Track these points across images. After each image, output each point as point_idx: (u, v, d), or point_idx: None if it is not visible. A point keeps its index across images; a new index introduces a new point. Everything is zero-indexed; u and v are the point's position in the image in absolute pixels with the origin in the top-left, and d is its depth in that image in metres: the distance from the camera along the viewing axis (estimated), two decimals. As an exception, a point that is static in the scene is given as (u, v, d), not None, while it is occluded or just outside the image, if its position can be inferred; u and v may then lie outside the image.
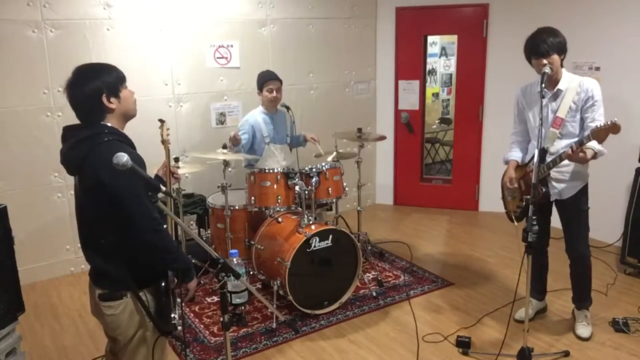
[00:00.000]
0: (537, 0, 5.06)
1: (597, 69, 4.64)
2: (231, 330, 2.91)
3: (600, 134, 2.68)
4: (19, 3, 3.99)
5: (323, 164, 3.89)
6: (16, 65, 4.06)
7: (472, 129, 5.70)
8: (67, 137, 2.08)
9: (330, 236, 3.63)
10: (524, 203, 3.19)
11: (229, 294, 2.42)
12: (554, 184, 3.17)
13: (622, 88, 4.41)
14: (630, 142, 4.37)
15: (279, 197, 3.79)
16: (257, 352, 3.29)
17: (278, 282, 3.59)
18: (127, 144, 2.05)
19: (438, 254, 4.78)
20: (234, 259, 3.30)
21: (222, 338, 3.40)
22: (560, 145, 3.05)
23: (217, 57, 4.87)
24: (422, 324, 3.57)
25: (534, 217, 2.67)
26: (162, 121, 3.10)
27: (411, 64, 5.74)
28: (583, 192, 3.18)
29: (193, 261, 4.14)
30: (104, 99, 2.03)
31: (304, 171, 3.84)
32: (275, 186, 3.79)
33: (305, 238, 3.51)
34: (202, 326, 3.59)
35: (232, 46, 4.92)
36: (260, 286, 4.10)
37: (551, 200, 3.22)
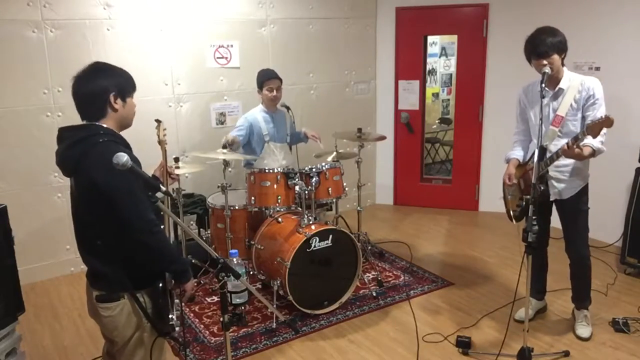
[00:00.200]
0: (537, 0, 5.06)
1: (597, 69, 4.64)
2: (231, 330, 2.91)
3: (594, 129, 2.68)
4: (19, 3, 3.99)
5: (323, 164, 3.89)
6: (16, 65, 4.06)
7: (472, 129, 5.70)
8: (62, 138, 2.07)
9: (330, 236, 3.63)
10: (524, 202, 3.19)
11: (229, 294, 2.42)
12: (554, 183, 3.17)
13: (622, 88, 4.42)
14: (630, 142, 4.37)
15: (279, 197, 3.79)
16: (257, 352, 3.29)
17: (278, 282, 3.59)
18: (123, 145, 2.04)
19: (438, 254, 4.78)
20: (234, 259, 3.30)
21: (222, 338, 3.40)
22: (560, 144, 3.05)
23: (217, 57, 4.87)
24: (422, 324, 3.57)
25: (534, 217, 2.68)
26: (158, 121, 3.10)
27: (411, 64, 5.74)
28: (583, 192, 3.18)
29: (193, 261, 4.15)
30: (112, 98, 2.05)
31: (304, 171, 3.84)
32: (275, 186, 3.79)
33: (305, 238, 3.51)
34: (202, 326, 3.59)
35: (232, 46, 4.92)
36: (260, 286, 4.10)
37: (551, 199, 3.22)
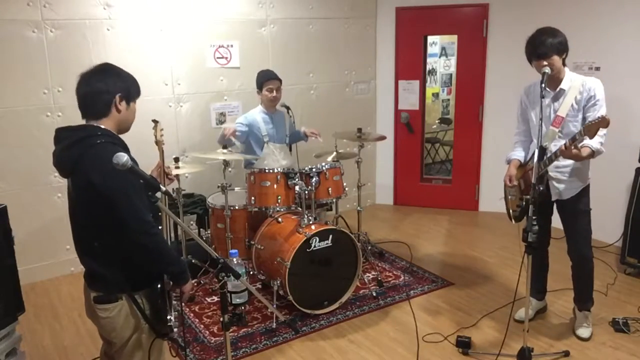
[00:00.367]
0: (537, 0, 5.06)
1: (597, 69, 4.64)
2: (231, 330, 2.91)
3: (590, 129, 2.68)
4: (19, 3, 3.99)
5: (323, 164, 3.89)
6: (16, 65, 4.06)
7: (472, 129, 5.70)
8: (59, 139, 2.06)
9: (330, 236, 3.63)
10: (524, 203, 3.19)
11: (229, 294, 2.42)
12: (555, 184, 3.17)
13: (622, 88, 4.41)
14: (630, 142, 4.37)
15: (279, 197, 3.79)
16: (257, 352, 3.29)
17: (278, 282, 3.59)
18: (121, 146, 2.03)
19: (438, 254, 4.78)
20: (234, 259, 3.30)
21: (222, 338, 3.40)
22: (560, 144, 3.04)
23: (217, 57, 4.87)
24: (422, 324, 3.57)
25: (534, 217, 2.68)
26: (155, 122, 3.09)
27: (411, 64, 5.74)
28: (584, 193, 3.17)
29: (193, 261, 4.15)
30: (118, 99, 2.06)
31: (304, 171, 3.84)
32: (275, 186, 3.79)
33: (305, 238, 3.51)
34: (202, 326, 3.59)
35: (232, 46, 4.92)
36: (260, 286, 4.10)
37: (552, 200, 3.22)
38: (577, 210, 3.19)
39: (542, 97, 2.85)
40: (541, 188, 2.87)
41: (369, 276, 4.24)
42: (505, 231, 5.17)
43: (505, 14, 5.31)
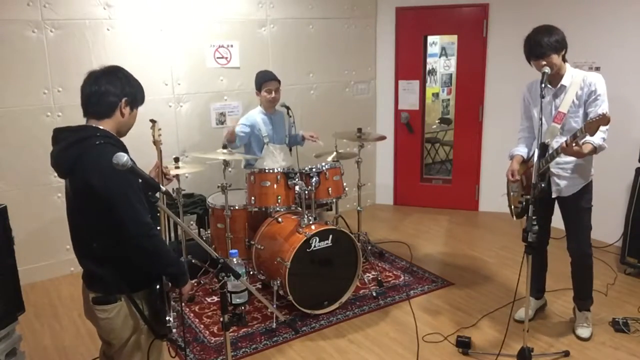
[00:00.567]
0: (537, 0, 5.06)
1: (597, 69, 4.64)
2: (231, 330, 2.91)
3: (591, 127, 2.68)
4: (19, 3, 3.99)
5: (323, 164, 3.89)
6: (16, 65, 4.05)
7: (472, 129, 5.70)
8: (57, 140, 2.06)
9: (330, 236, 3.63)
10: (525, 200, 3.19)
11: (229, 294, 2.42)
12: (556, 180, 3.16)
13: (622, 88, 4.41)
14: (630, 142, 4.37)
15: (279, 197, 3.79)
16: (257, 352, 3.29)
17: (278, 282, 3.59)
18: (120, 148, 2.02)
19: (438, 254, 4.78)
20: (234, 259, 3.30)
21: (222, 338, 3.40)
22: (562, 141, 3.03)
23: (217, 57, 4.87)
24: (422, 324, 3.57)
25: (534, 217, 2.67)
26: (153, 121, 3.09)
27: (411, 64, 5.74)
28: (585, 190, 3.17)
29: (193, 261, 4.15)
30: (123, 102, 2.07)
31: (304, 171, 3.84)
32: (275, 186, 3.79)
33: (305, 238, 3.51)
34: (202, 326, 3.59)
35: (232, 46, 4.92)
36: (260, 286, 4.10)
37: (552, 197, 3.22)
38: (579, 207, 3.18)
39: (542, 97, 2.84)
40: (542, 185, 2.87)
41: (369, 276, 4.24)
42: (505, 231, 5.17)
43: (505, 14, 5.31)
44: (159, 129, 3.09)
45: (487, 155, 5.69)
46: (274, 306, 3.66)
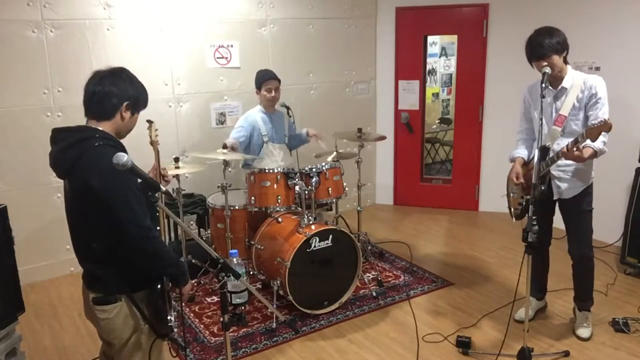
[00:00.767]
0: (537, 0, 5.06)
1: (597, 69, 4.64)
2: (231, 330, 2.91)
3: (592, 132, 2.68)
4: (19, 3, 3.99)
5: (323, 164, 3.89)
6: (16, 65, 4.05)
7: (472, 129, 5.70)
8: (56, 140, 2.05)
9: (330, 236, 3.63)
10: (525, 201, 3.19)
11: (229, 294, 2.42)
12: (557, 182, 3.17)
13: (622, 88, 4.41)
14: (630, 142, 4.37)
15: (279, 197, 3.79)
16: (257, 352, 3.29)
17: (278, 282, 3.59)
18: (119, 149, 2.00)
19: (438, 254, 4.78)
20: (234, 259, 3.29)
21: (222, 338, 3.40)
22: (563, 143, 3.04)
23: (217, 57, 4.87)
24: (422, 324, 3.57)
25: (534, 217, 2.67)
26: (150, 122, 3.09)
27: (411, 64, 5.74)
28: (586, 192, 3.17)
29: (193, 261, 4.15)
30: (124, 106, 2.05)
31: (304, 171, 3.83)
32: (275, 186, 3.79)
33: (305, 238, 3.51)
34: (202, 326, 3.59)
35: (232, 46, 4.92)
36: (260, 286, 4.10)
37: (553, 199, 3.22)
38: (579, 209, 3.18)
39: (543, 96, 2.84)
40: (543, 188, 2.87)
41: (369, 276, 4.24)
42: (505, 231, 5.17)
43: (505, 14, 5.31)
44: (156, 130, 3.09)
45: (487, 155, 5.69)
46: (274, 306, 3.66)
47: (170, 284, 2.15)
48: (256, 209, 3.88)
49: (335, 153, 4.26)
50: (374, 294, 3.94)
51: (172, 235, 4.47)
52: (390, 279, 4.25)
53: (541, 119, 2.87)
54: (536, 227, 2.66)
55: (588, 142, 2.79)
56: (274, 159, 4.29)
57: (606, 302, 3.74)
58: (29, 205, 4.24)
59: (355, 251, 3.77)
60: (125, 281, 2.07)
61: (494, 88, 5.51)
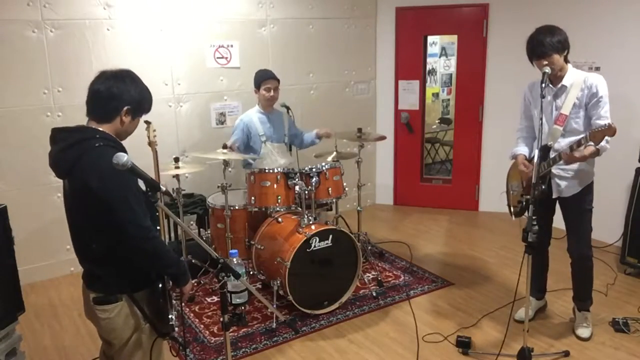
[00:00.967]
0: (537, 0, 5.06)
1: (597, 69, 4.64)
2: (231, 330, 2.91)
3: (596, 136, 2.68)
4: (19, 3, 3.99)
5: (323, 164, 3.89)
6: (16, 65, 4.05)
7: (472, 129, 5.70)
8: (56, 140, 2.05)
9: (330, 236, 3.63)
10: (524, 201, 3.19)
11: (229, 294, 2.42)
12: (557, 181, 3.16)
13: (622, 88, 4.40)
14: (630, 142, 4.37)
15: (279, 197, 3.79)
16: (257, 352, 3.29)
17: (278, 282, 3.59)
18: (119, 150, 1.99)
19: (438, 254, 4.78)
20: (234, 259, 3.29)
21: (222, 338, 3.40)
22: (564, 143, 3.04)
23: (217, 57, 4.87)
24: (422, 324, 3.57)
25: (534, 217, 2.67)
26: (148, 123, 3.09)
27: (411, 64, 5.74)
28: (587, 191, 3.16)
29: (193, 261, 4.15)
30: (125, 110, 2.04)
31: (304, 171, 3.83)
32: (275, 186, 3.79)
33: (305, 238, 3.51)
34: (202, 326, 3.59)
35: (232, 46, 4.92)
36: (260, 286, 4.10)
37: (553, 197, 3.22)
38: (580, 208, 3.18)
39: (542, 96, 2.84)
40: (543, 187, 2.87)
41: (369, 276, 4.24)
42: (505, 231, 5.17)
43: (505, 14, 5.31)
44: (154, 130, 3.09)
45: (487, 155, 5.69)
46: (274, 306, 3.66)
47: (170, 283, 2.15)
48: (256, 209, 3.88)
49: (335, 153, 4.26)
50: (374, 294, 3.94)
51: (172, 235, 4.47)
52: (390, 279, 4.25)
53: (541, 119, 2.87)
54: (536, 227, 2.66)
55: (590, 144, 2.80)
56: (273, 159, 4.29)
57: (606, 302, 3.74)
58: (29, 205, 4.24)
59: (355, 251, 3.77)
60: (125, 281, 2.07)
61: (494, 88, 5.51)
